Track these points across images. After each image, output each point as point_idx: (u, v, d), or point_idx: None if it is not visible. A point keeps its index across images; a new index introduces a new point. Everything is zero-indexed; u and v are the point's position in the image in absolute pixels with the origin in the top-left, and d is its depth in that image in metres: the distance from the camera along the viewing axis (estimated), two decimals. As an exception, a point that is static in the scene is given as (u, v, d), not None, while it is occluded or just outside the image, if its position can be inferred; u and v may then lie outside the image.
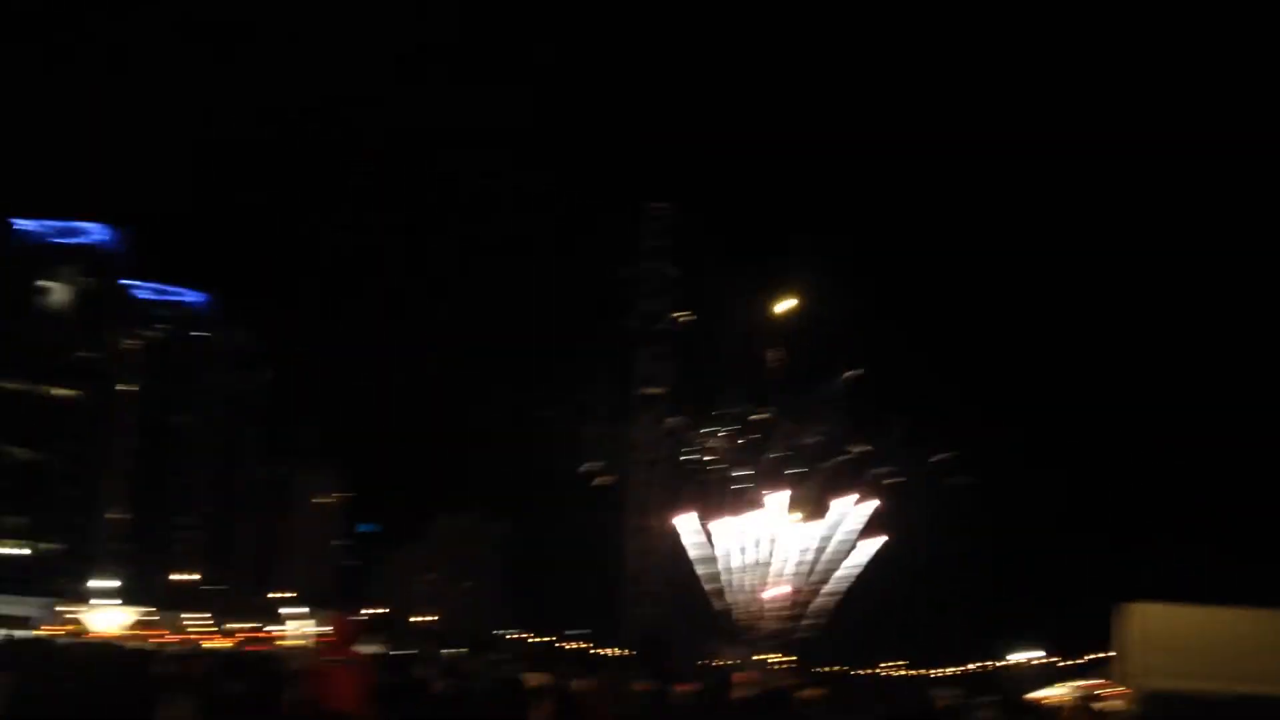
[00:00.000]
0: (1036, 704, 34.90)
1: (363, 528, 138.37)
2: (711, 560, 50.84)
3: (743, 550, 50.62)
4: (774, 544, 50.66)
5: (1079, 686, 48.52)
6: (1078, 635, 61.74)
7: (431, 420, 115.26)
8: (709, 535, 50.50)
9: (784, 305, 53.70)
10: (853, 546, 50.47)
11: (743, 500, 50.05)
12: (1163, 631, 25.06)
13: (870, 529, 51.92)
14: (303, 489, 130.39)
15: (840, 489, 53.29)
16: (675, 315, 53.67)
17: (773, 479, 52.56)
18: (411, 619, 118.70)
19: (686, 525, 50.17)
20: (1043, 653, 75.72)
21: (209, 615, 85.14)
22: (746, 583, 50.99)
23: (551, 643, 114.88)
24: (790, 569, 50.45)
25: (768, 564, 50.41)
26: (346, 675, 10.78)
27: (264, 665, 14.85)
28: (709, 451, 51.42)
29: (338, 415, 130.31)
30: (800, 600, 50.74)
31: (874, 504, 48.36)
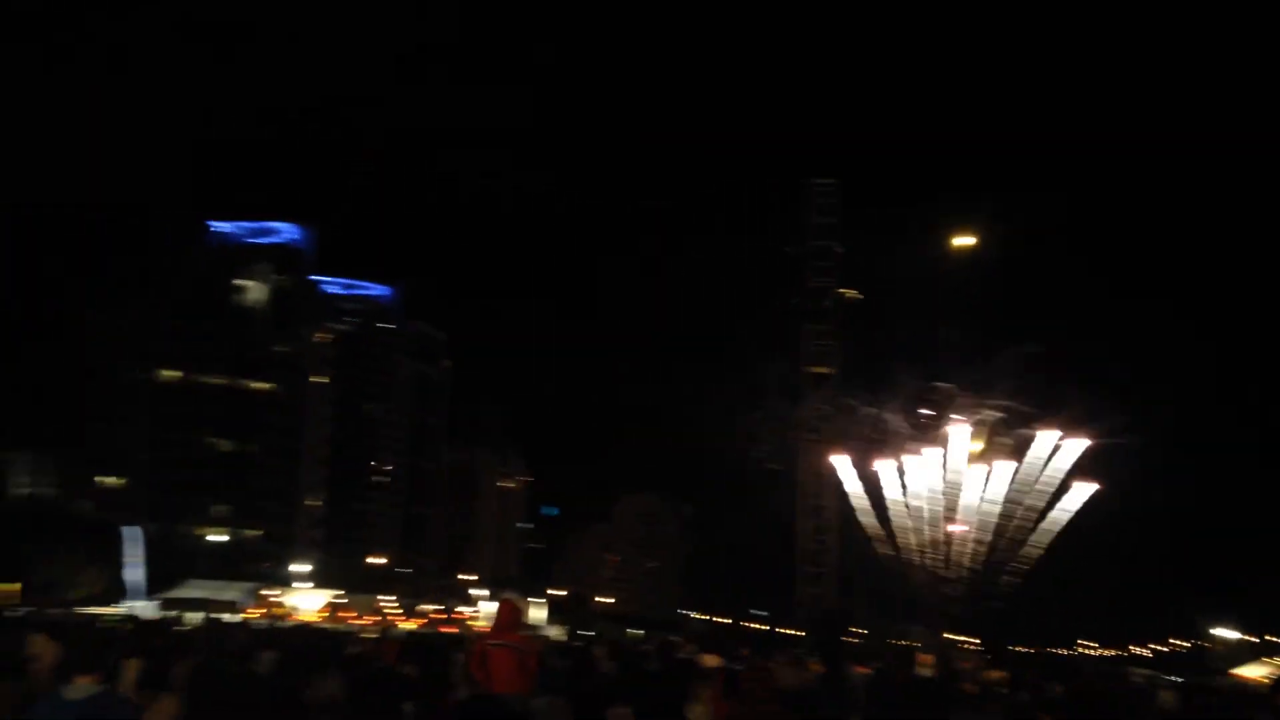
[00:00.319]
0: (1234, 683, 32.91)
1: (545, 511, 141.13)
2: (880, 511, 48.68)
3: (918, 494, 47.74)
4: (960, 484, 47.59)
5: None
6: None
7: (609, 402, 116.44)
8: (878, 482, 48.39)
9: (961, 240, 51.49)
10: (1061, 490, 46.54)
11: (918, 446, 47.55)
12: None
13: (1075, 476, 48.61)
14: (487, 474, 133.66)
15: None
16: (842, 292, 52.51)
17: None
18: (595, 599, 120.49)
19: (846, 468, 47.91)
20: (1239, 632, 71.79)
21: (398, 598, 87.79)
22: (924, 534, 48.33)
23: (733, 623, 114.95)
24: (978, 515, 47.60)
25: (949, 510, 47.47)
26: (509, 658, 10.76)
27: (439, 648, 15.00)
28: (881, 430, 50.08)
29: (518, 401, 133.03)
30: (993, 558, 48.50)
31: (1084, 443, 44.84)
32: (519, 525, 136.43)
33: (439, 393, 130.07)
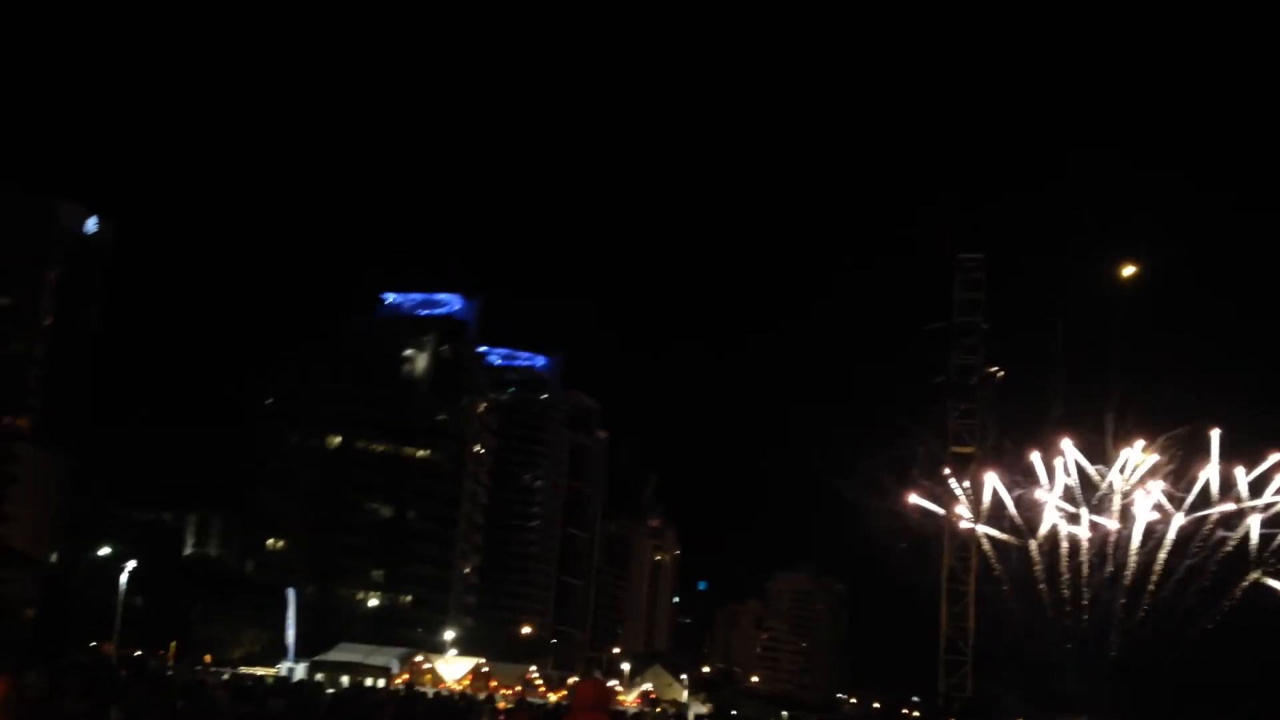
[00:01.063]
0: None
1: (698, 585, 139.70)
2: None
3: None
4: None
5: None
6: None
7: (763, 477, 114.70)
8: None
9: (1127, 270, 49.22)
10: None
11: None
12: None
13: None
14: (639, 545, 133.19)
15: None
16: (991, 370, 50.74)
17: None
18: (745, 678, 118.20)
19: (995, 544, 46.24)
20: None
21: (546, 667, 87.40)
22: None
23: (887, 710, 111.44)
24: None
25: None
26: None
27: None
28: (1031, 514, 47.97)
29: (673, 472, 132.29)
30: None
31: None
32: (670, 598, 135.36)
33: (594, 463, 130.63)
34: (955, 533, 48.20)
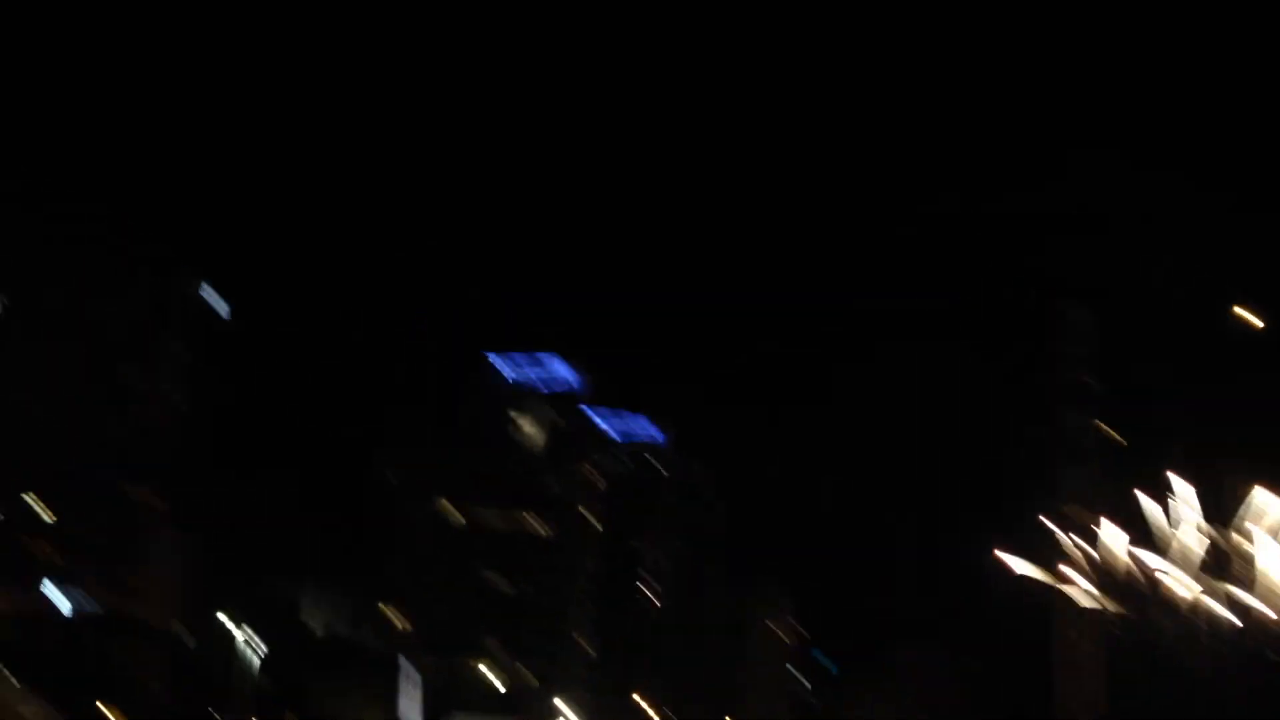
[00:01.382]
0: None
1: (819, 659, 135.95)
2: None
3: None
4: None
5: None
6: None
7: (884, 547, 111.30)
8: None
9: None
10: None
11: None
12: None
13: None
14: (759, 621, 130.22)
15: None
16: (1099, 426, 48.80)
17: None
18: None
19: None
20: None
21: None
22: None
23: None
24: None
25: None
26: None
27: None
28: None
29: (791, 549, 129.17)
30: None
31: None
32: (792, 676, 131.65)
33: (711, 534, 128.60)
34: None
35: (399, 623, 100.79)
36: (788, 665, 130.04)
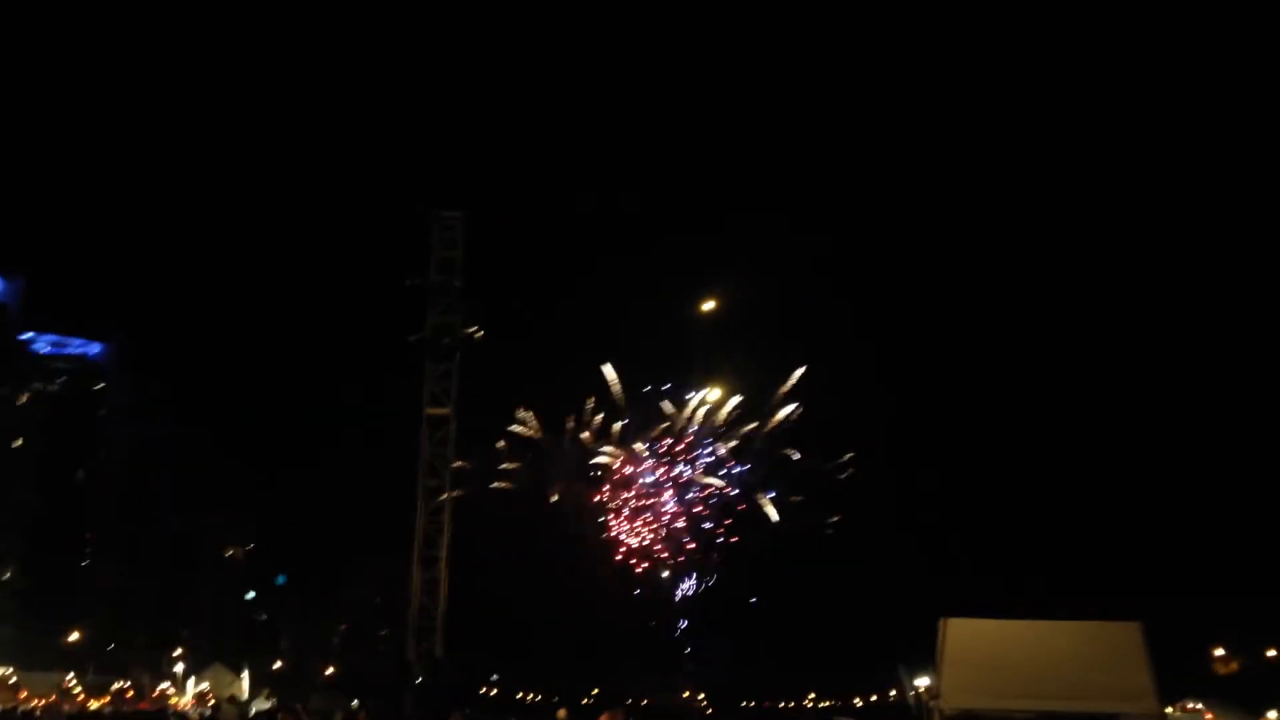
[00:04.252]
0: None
1: (278, 579, 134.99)
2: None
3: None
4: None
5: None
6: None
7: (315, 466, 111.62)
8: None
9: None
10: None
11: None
12: (971, 647, 24.11)
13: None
14: (209, 541, 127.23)
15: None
16: (469, 331, 53.15)
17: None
18: (326, 670, 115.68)
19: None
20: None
21: (88, 675, 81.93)
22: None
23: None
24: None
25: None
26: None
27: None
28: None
29: (247, 464, 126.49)
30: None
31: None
32: (243, 594, 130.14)
33: (164, 456, 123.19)
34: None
35: None
36: (237, 584, 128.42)
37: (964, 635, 24.67)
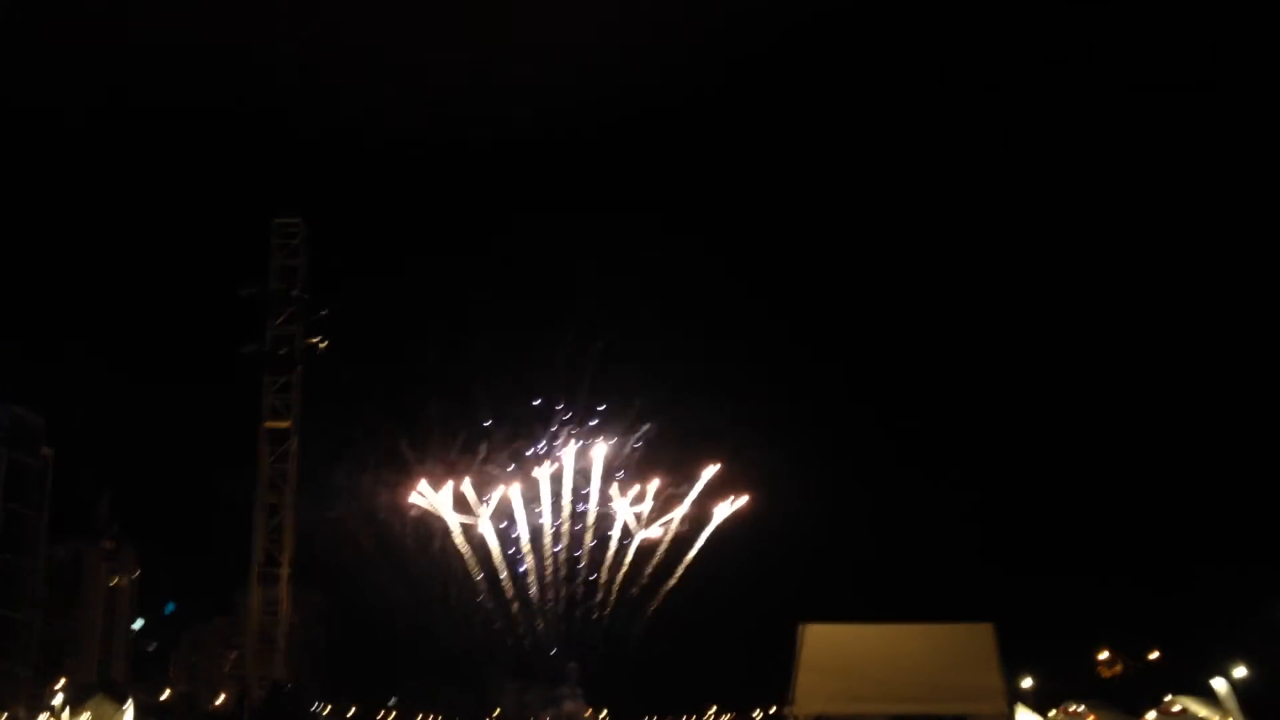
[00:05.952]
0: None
1: (166, 608, 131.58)
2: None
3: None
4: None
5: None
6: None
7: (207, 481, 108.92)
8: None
9: None
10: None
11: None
12: (827, 652, 23.93)
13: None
14: (93, 570, 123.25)
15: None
16: (313, 341, 52.06)
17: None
18: (217, 700, 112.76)
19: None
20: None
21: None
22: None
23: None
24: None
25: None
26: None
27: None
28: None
29: (131, 492, 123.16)
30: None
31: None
32: (129, 624, 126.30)
33: (36, 483, 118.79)
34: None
35: None
36: (124, 612, 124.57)
37: (821, 641, 24.54)
